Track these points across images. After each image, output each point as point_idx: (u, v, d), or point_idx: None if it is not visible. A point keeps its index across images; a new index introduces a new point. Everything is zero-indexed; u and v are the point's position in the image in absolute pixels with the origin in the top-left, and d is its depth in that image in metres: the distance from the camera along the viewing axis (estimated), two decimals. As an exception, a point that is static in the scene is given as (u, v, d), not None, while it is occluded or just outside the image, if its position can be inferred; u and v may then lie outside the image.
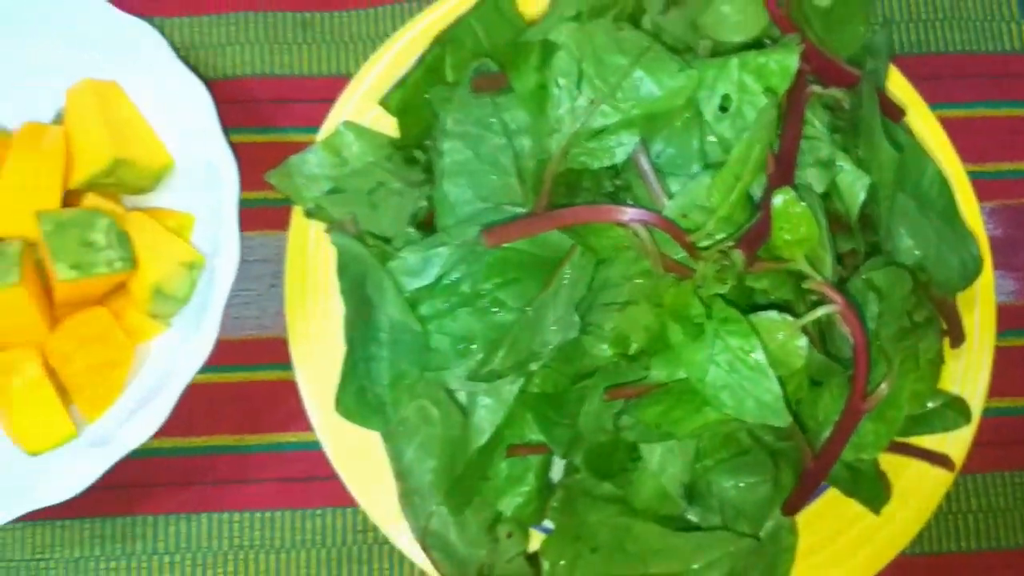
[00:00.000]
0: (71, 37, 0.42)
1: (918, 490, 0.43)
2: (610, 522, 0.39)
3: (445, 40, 0.41)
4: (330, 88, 0.46)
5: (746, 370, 0.31)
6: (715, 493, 0.38)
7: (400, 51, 0.45)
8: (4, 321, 0.39)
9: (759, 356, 0.31)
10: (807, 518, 0.42)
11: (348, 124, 0.43)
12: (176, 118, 0.42)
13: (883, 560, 0.42)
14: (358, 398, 0.37)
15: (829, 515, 0.42)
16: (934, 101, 0.46)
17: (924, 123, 0.45)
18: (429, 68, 0.41)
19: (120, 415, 0.41)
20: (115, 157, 0.40)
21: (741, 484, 0.37)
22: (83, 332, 0.40)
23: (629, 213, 0.33)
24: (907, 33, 0.49)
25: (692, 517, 0.39)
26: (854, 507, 0.42)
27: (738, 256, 0.32)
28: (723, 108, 0.34)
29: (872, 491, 0.39)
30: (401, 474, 0.39)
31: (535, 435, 0.38)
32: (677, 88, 0.34)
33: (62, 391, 0.40)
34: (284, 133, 0.47)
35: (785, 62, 0.33)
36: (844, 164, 0.36)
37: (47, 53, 0.42)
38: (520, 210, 0.37)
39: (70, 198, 0.41)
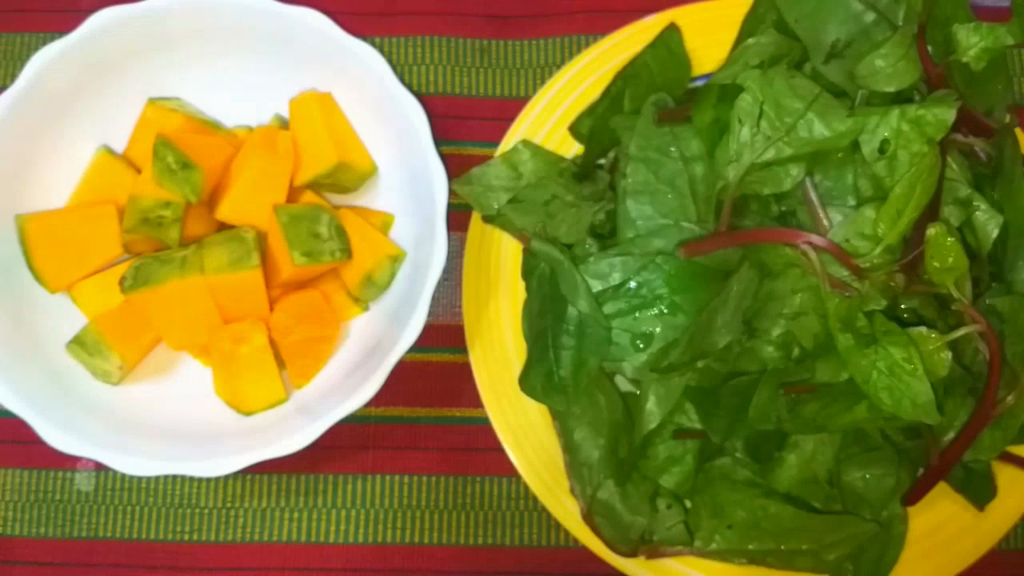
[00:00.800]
0: (295, 51, 0.47)
1: (1011, 492, 0.48)
2: (748, 503, 0.44)
3: (626, 75, 0.47)
4: (503, 109, 0.52)
5: (905, 376, 0.36)
6: (844, 483, 0.43)
7: (569, 80, 0.51)
8: (240, 298, 0.45)
9: (917, 364, 0.36)
10: (912, 511, 0.48)
11: (525, 142, 0.49)
12: (383, 128, 0.47)
13: (977, 553, 0.48)
14: (545, 380, 0.43)
15: (931, 509, 0.48)
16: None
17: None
18: (613, 99, 0.47)
19: (322, 386, 0.47)
20: (339, 160, 0.46)
21: (868, 476, 0.43)
22: (300, 310, 0.46)
23: (804, 237, 0.39)
24: (1019, 86, 0.55)
25: (815, 503, 0.45)
26: (953, 503, 0.47)
27: (901, 279, 0.38)
28: (881, 151, 0.40)
29: (980, 489, 0.45)
30: (570, 448, 0.45)
31: (690, 422, 0.44)
32: (844, 131, 0.40)
33: (278, 360, 0.46)
34: (460, 146, 0.53)
35: (942, 116, 0.39)
36: (980, 204, 0.42)
37: (271, 65, 0.48)
38: (693, 226, 0.43)
39: (291, 194, 0.47)
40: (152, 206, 0.45)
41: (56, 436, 0.43)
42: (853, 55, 0.43)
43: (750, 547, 0.44)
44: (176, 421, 0.47)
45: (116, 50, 0.47)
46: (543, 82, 0.52)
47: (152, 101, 0.48)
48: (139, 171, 0.47)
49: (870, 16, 0.45)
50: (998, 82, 0.44)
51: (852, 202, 0.41)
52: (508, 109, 0.51)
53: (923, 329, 0.38)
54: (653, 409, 0.42)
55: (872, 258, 0.38)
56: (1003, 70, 0.44)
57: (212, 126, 0.48)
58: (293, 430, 0.44)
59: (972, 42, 0.42)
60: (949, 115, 0.39)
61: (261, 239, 0.46)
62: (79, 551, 0.49)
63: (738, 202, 0.42)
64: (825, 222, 0.41)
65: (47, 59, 0.45)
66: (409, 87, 0.46)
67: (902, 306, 0.39)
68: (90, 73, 0.47)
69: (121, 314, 0.45)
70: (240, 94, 0.49)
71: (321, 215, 0.45)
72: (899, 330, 0.37)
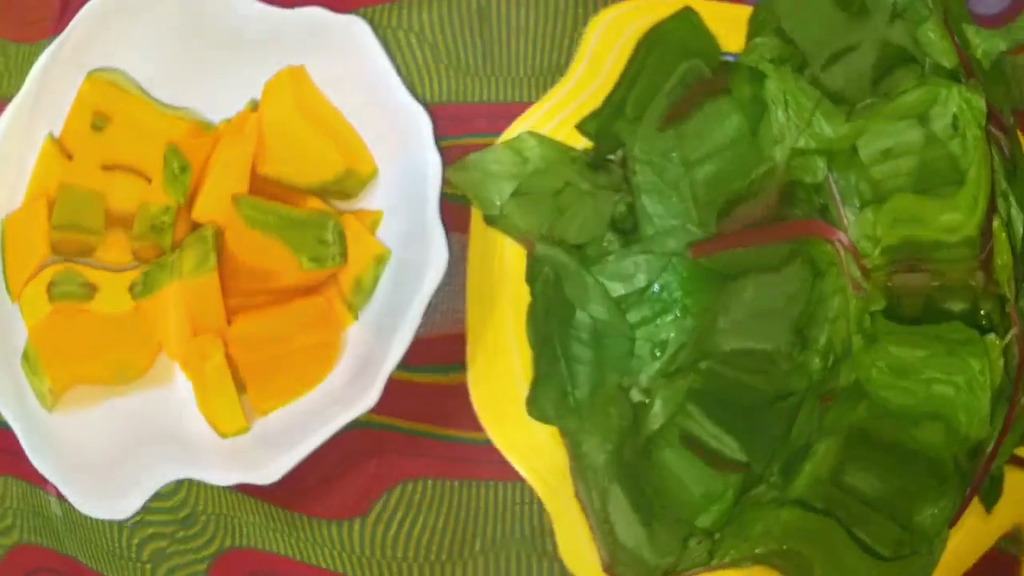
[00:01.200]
0: (279, 39, 0.43)
1: (1014, 492, 0.43)
2: (766, 516, 0.38)
3: (649, 42, 0.42)
4: (505, 109, 0.44)
5: (978, 390, 0.32)
6: (916, 523, 0.38)
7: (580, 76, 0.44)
8: (199, 306, 0.39)
9: (987, 376, 0.32)
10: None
11: (530, 132, 0.43)
12: (368, 112, 0.42)
13: (979, 551, 0.42)
14: (558, 402, 0.37)
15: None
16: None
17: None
18: (635, 72, 0.42)
19: (297, 410, 0.41)
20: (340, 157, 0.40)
21: (936, 511, 0.37)
22: (298, 319, 0.41)
23: (833, 232, 0.35)
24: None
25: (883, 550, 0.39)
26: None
27: (980, 277, 0.34)
28: (954, 127, 0.36)
29: (988, 490, 0.40)
30: (576, 455, 0.39)
31: (701, 431, 0.38)
32: (844, 134, 0.36)
33: (238, 381, 0.40)
34: (456, 139, 0.45)
35: (979, 103, 0.35)
36: (1012, 200, 0.37)
37: (254, 56, 0.43)
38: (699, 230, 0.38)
39: (255, 183, 0.41)
40: (157, 212, 0.42)
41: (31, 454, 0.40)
42: (912, 19, 0.39)
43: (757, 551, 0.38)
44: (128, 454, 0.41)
45: (99, 47, 0.43)
46: (548, 61, 0.45)
47: (91, 74, 0.42)
48: (70, 157, 0.42)
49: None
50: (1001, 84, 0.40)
51: (857, 204, 0.37)
52: (511, 108, 0.44)
53: (991, 335, 0.34)
54: (658, 412, 0.37)
55: (950, 251, 0.34)
56: (1002, 75, 0.41)
57: (194, 117, 0.44)
58: (260, 462, 0.38)
59: (976, 43, 0.40)
60: (981, 102, 0.35)
61: (218, 237, 0.40)
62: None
63: (786, 189, 0.37)
64: (845, 220, 0.36)
65: (44, 64, 0.43)
66: (393, 60, 0.41)
67: (981, 311, 0.35)
68: (78, 71, 0.43)
69: (49, 326, 0.40)
70: (226, 89, 0.44)
71: (327, 221, 0.41)
72: (979, 338, 0.33)
